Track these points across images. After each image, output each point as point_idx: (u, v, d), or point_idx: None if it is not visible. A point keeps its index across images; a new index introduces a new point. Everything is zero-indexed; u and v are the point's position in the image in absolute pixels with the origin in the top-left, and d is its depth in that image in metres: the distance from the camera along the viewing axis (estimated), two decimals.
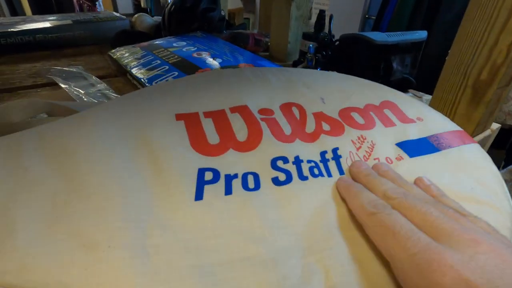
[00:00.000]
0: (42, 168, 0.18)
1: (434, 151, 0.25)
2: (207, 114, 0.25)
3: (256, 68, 0.34)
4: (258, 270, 0.16)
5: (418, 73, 0.57)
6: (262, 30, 0.84)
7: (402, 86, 0.54)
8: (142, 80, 0.48)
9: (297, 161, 0.23)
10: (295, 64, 0.66)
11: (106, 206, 0.17)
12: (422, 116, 0.29)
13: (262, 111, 0.26)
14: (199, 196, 0.19)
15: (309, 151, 0.24)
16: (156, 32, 0.80)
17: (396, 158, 0.24)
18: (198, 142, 0.22)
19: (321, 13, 0.62)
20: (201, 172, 0.20)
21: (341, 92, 0.31)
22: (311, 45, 0.59)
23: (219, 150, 0.22)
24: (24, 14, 2.04)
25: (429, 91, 0.53)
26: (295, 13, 0.66)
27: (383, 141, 0.25)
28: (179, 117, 0.24)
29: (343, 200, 0.21)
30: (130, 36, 0.75)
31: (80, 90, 0.48)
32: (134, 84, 0.51)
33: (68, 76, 0.53)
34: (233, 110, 0.26)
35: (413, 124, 0.28)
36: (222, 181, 0.20)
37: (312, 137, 0.25)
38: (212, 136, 0.23)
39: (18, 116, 0.31)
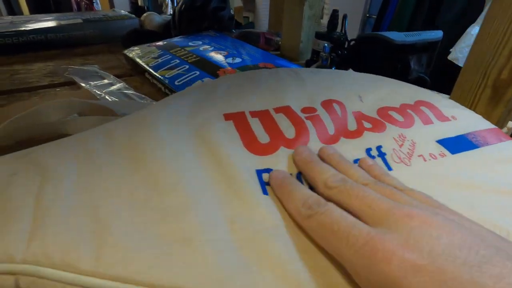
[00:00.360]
0: (115, 167, 0.19)
1: (474, 147, 0.26)
2: (253, 114, 0.25)
3: (289, 69, 0.34)
4: None
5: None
6: (271, 29, 0.84)
7: (417, 85, 0.55)
8: (163, 79, 0.48)
9: None
10: (308, 64, 0.66)
11: (183, 202, 0.17)
12: (455, 114, 0.30)
13: (305, 110, 0.27)
14: (265, 192, 0.19)
15: (354, 148, 0.24)
16: (165, 30, 0.80)
17: (439, 154, 0.25)
18: (250, 142, 0.23)
19: (334, 13, 0.63)
20: (259, 173, 0.21)
21: (375, 91, 0.31)
22: (326, 44, 0.60)
23: (271, 149, 0.23)
24: (21, 13, 2.01)
25: (431, 89, 0.54)
26: (307, 12, 0.66)
27: (423, 139, 0.26)
28: (227, 117, 0.25)
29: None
30: (140, 35, 0.74)
31: (101, 89, 0.48)
32: (153, 83, 0.51)
33: (86, 75, 0.53)
34: (277, 110, 0.26)
35: (449, 123, 0.28)
36: None
37: (356, 134, 0.26)
38: (262, 136, 0.24)
39: (55, 116, 0.31)
